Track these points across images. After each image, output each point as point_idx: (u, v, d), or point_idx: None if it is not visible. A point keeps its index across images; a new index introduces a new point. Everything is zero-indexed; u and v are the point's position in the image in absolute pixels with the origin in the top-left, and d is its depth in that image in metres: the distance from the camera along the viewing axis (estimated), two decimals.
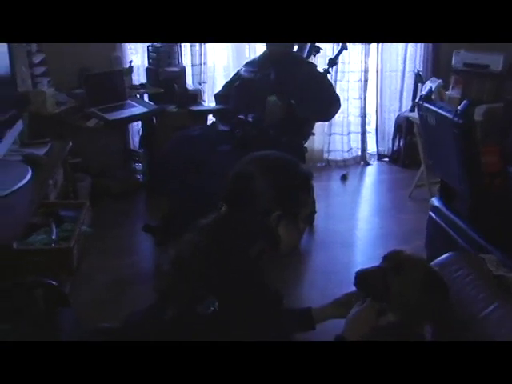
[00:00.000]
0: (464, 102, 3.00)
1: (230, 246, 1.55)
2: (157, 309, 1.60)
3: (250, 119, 3.74)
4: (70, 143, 3.55)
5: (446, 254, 2.34)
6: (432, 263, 2.34)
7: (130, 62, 4.94)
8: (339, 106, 4.10)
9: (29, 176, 2.85)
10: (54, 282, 2.03)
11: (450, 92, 5.22)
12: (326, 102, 3.94)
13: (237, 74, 4.24)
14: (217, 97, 4.40)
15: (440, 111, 3.13)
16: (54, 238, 2.66)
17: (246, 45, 5.21)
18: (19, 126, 3.53)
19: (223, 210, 1.61)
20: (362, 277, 1.78)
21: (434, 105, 3.26)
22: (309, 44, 3.98)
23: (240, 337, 1.42)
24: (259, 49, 4.29)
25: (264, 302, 1.56)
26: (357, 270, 1.80)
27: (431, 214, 3.57)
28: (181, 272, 1.56)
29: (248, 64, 4.14)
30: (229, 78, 4.46)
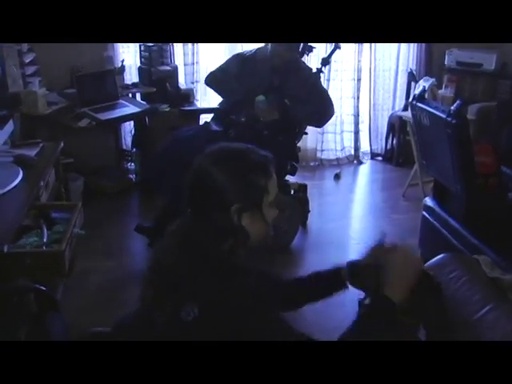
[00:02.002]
0: (457, 101, 3.00)
1: (198, 248, 1.51)
2: (144, 318, 1.58)
3: (243, 120, 3.72)
4: (62, 143, 3.52)
5: (440, 256, 2.34)
6: (426, 264, 2.34)
7: (122, 61, 4.91)
8: (332, 113, 4.07)
9: (20, 177, 2.83)
10: (42, 287, 2.00)
11: (442, 91, 5.22)
12: (321, 108, 3.92)
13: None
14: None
15: (433, 111, 3.12)
16: (45, 240, 2.63)
17: (240, 44, 5.18)
18: (10, 126, 3.51)
19: (187, 213, 1.58)
20: (354, 268, 1.77)
21: (427, 104, 3.25)
22: (302, 43, 3.94)
23: (226, 339, 1.40)
24: (252, 47, 4.22)
25: (244, 299, 1.49)
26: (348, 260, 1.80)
27: (424, 213, 3.56)
28: (158, 279, 1.54)
29: (244, 63, 4.04)
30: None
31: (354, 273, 1.78)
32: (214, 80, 3.97)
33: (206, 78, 4.06)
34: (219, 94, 4.04)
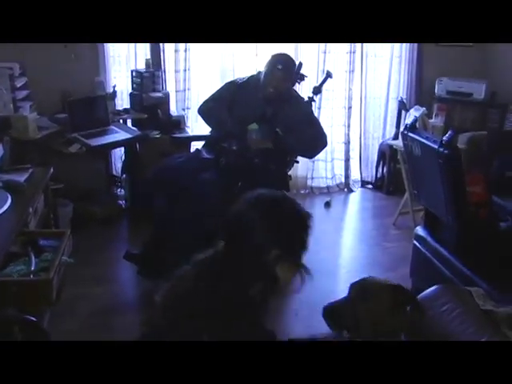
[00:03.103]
0: (449, 132, 3.00)
1: (230, 285, 1.55)
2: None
3: (235, 148, 3.71)
4: (52, 169, 3.50)
5: (433, 287, 2.32)
6: (419, 297, 2.32)
7: (114, 86, 4.91)
8: (326, 144, 4.08)
9: (8, 203, 2.79)
10: (32, 318, 1.96)
11: (433, 120, 5.24)
12: (313, 138, 3.91)
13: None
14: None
15: (425, 141, 3.13)
16: (32, 268, 2.59)
17: (231, 70, 5.21)
18: None
19: (221, 248, 1.62)
20: (330, 311, 1.80)
21: (418, 134, 3.26)
22: (293, 73, 3.94)
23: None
24: (244, 75, 4.23)
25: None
26: (324, 305, 1.83)
27: (416, 243, 3.55)
28: (175, 308, 1.53)
29: (236, 90, 4.02)
30: None
31: (331, 315, 1.81)
32: (207, 110, 3.95)
33: (200, 107, 4.05)
34: (209, 125, 4.02)
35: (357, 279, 1.93)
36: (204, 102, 4.03)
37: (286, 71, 3.79)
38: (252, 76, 3.99)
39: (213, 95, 4.01)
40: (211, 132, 4.06)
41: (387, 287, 1.83)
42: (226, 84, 4.08)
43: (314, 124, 3.99)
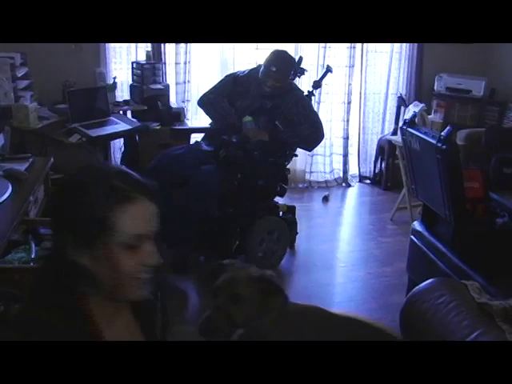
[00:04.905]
0: (448, 127, 3.01)
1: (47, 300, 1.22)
2: None
3: (234, 140, 3.72)
4: (52, 159, 3.50)
5: (429, 280, 2.35)
6: (414, 289, 2.35)
7: (114, 78, 4.92)
8: (323, 136, 4.09)
9: (9, 192, 2.80)
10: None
11: (432, 116, 5.27)
12: (312, 131, 3.93)
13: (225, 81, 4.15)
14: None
15: (424, 136, 3.14)
16: (33, 256, 2.61)
17: (231, 63, 5.23)
18: (0, 140, 3.49)
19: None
20: (206, 330, 1.74)
21: (417, 130, 3.26)
22: (290, 71, 3.95)
23: None
24: (245, 68, 4.24)
25: None
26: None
27: (413, 237, 3.56)
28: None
29: (236, 83, 4.04)
30: None
31: (210, 334, 1.75)
32: (208, 101, 3.96)
33: (200, 99, 4.06)
34: (210, 117, 4.03)
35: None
36: (204, 94, 4.04)
37: (280, 73, 3.80)
38: (252, 69, 4.00)
39: (213, 87, 4.02)
40: (211, 124, 4.07)
41: (253, 283, 1.78)
42: (227, 76, 4.09)
43: (313, 117, 4.00)
